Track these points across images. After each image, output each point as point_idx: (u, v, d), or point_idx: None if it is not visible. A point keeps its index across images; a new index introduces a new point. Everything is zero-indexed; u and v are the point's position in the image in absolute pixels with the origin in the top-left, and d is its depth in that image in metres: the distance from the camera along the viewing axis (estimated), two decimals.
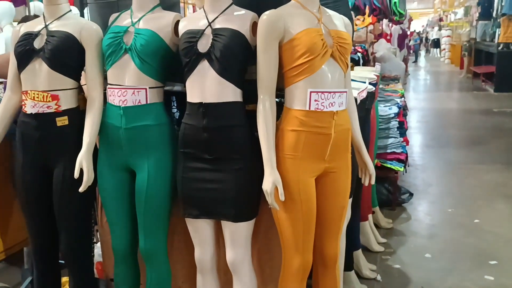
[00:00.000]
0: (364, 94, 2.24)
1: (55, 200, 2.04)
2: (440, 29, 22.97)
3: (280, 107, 1.86)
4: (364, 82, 2.31)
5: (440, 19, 24.33)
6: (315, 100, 1.75)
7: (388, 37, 9.94)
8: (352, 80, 2.19)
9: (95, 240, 2.68)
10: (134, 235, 2.09)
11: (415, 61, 20.72)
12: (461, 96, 11.23)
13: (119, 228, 2.08)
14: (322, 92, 1.75)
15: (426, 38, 28.21)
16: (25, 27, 2.06)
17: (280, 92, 1.87)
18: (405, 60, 12.91)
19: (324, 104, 1.76)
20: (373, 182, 2.03)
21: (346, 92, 1.82)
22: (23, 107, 2.02)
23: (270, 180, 1.73)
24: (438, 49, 23.34)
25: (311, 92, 1.74)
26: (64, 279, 2.40)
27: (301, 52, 1.73)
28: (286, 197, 1.75)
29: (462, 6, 17.70)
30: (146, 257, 2.05)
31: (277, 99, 1.85)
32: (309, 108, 1.76)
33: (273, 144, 1.78)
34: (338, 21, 1.88)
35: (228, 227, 1.89)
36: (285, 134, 1.79)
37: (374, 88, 2.48)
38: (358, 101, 2.13)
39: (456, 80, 14.43)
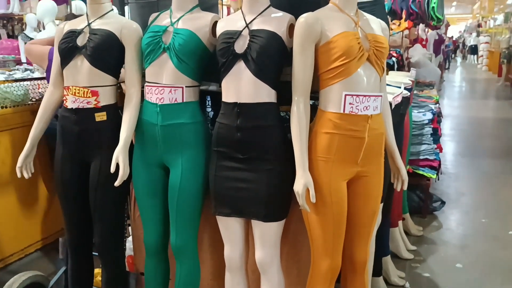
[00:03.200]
0: (399, 99, 2.22)
1: (91, 193, 2.10)
2: (478, 35, 22.44)
3: (313, 110, 1.87)
4: (399, 87, 2.29)
5: (479, 25, 23.77)
6: (350, 103, 1.75)
7: (424, 43, 9.78)
8: (387, 84, 2.17)
9: (127, 234, 2.74)
10: (165, 230, 2.14)
11: (447, 68, 20.28)
12: (498, 105, 10.95)
13: (152, 223, 2.13)
14: (357, 96, 1.75)
15: (463, 44, 27.59)
16: (69, 25, 2.14)
17: (314, 95, 1.88)
18: (441, 66, 12.67)
19: (358, 107, 1.76)
20: (405, 188, 2.01)
21: (381, 96, 1.81)
22: (64, 102, 2.09)
23: (302, 182, 1.74)
24: (475, 56, 22.80)
25: (346, 95, 1.75)
26: (97, 270, 2.46)
27: (337, 55, 1.73)
28: (317, 200, 1.76)
29: (502, 12, 17.26)
30: (177, 253, 2.09)
31: (311, 101, 1.86)
32: (344, 111, 1.76)
33: (306, 146, 1.79)
34: (375, 25, 1.88)
35: (258, 226, 1.91)
36: (318, 137, 1.80)
37: (409, 93, 2.46)
38: (393, 106, 2.11)
39: (493, 88, 14.06)
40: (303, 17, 1.77)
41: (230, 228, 1.97)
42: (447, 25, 16.24)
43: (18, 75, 3.68)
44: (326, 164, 1.79)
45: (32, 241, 3.27)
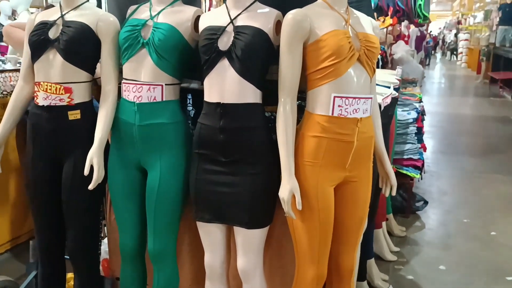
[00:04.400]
0: (388, 100, 2.14)
1: (64, 195, 1.98)
2: (458, 33, 22.66)
3: (300, 111, 1.78)
4: (389, 87, 2.22)
5: (458, 22, 24.00)
6: (339, 106, 1.66)
7: (406, 39, 9.78)
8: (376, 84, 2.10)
9: (102, 235, 2.62)
10: (142, 235, 2.03)
11: (427, 64, 20.43)
12: (477, 102, 11.05)
13: (128, 228, 2.02)
14: (347, 98, 1.66)
15: (443, 41, 27.87)
16: (41, 16, 2.00)
17: (301, 95, 1.79)
18: (422, 63, 12.73)
19: (348, 110, 1.67)
20: (394, 193, 1.94)
21: (371, 98, 1.73)
22: (35, 98, 1.95)
23: (288, 188, 1.65)
24: (454, 53, 23.04)
25: (335, 97, 1.66)
26: (69, 275, 2.34)
27: (326, 55, 1.64)
28: (303, 206, 1.67)
29: (482, 10, 17.42)
30: (154, 259, 1.98)
31: (298, 102, 1.77)
32: (332, 114, 1.67)
33: (292, 149, 1.70)
34: (366, 23, 1.80)
35: (240, 233, 1.81)
36: (306, 140, 1.71)
37: (397, 94, 2.39)
38: (382, 108, 2.04)
39: (472, 85, 14.21)
40: (291, 14, 1.68)
41: (211, 234, 1.88)
42: (428, 22, 16.33)
43: None
44: (313, 169, 1.71)
45: (2, 241, 3.14)
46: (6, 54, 3.92)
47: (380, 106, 1.99)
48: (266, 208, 1.81)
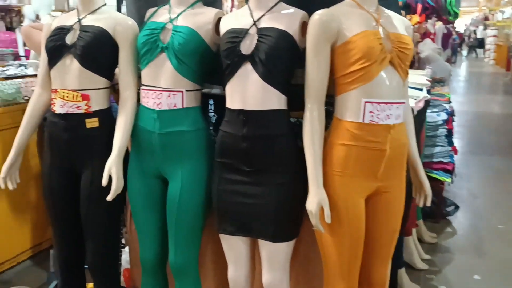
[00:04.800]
0: (421, 105, 2.02)
1: (82, 206, 1.92)
2: (485, 29, 22.10)
3: (328, 117, 1.67)
4: (421, 90, 2.09)
5: (486, 18, 23.40)
6: (370, 112, 1.56)
7: (432, 37, 9.53)
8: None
9: (124, 242, 2.56)
10: (164, 247, 1.95)
11: (454, 62, 19.94)
12: (506, 100, 10.71)
13: (148, 239, 1.95)
14: (378, 103, 1.55)
15: (469, 38, 27.22)
16: (58, 21, 1.94)
17: (329, 100, 1.68)
18: (448, 61, 12.40)
19: (379, 116, 1.56)
20: (429, 204, 1.82)
21: (404, 103, 1.62)
22: (52, 106, 1.90)
23: (316, 200, 1.55)
24: (482, 49, 22.47)
25: (365, 102, 1.55)
26: (90, 285, 2.28)
27: (356, 57, 1.53)
28: (332, 219, 1.57)
29: (510, 5, 16.93)
30: (176, 272, 1.90)
31: (325, 107, 1.67)
32: (363, 120, 1.56)
33: (320, 158, 1.60)
34: (398, 22, 1.68)
35: (265, 247, 1.72)
36: (334, 148, 1.61)
37: (430, 97, 2.26)
38: (415, 112, 1.91)
39: (501, 83, 13.80)
40: (317, 14, 1.58)
41: (234, 247, 1.79)
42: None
43: (12, 71, 3.49)
44: (342, 179, 1.60)
45: (24, 248, 3.12)
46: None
47: (412, 110, 1.87)
48: (293, 220, 1.71)
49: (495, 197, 4.54)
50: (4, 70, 3.50)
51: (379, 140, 1.57)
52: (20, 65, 3.77)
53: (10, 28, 7.40)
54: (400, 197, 1.71)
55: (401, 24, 1.68)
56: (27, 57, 4.36)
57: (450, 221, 3.93)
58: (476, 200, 4.46)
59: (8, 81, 3.07)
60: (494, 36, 19.09)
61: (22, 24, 6.14)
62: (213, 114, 2.08)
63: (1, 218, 2.93)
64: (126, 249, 2.55)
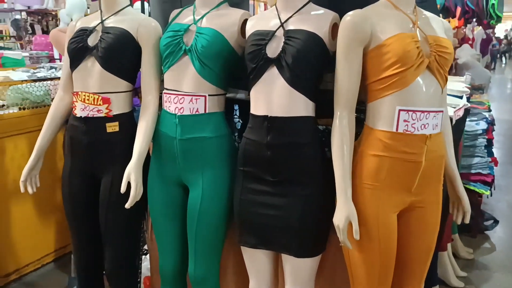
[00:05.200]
0: (460, 113, 1.88)
1: (101, 213, 1.87)
2: None
3: (359, 125, 1.56)
4: (460, 97, 1.95)
5: None
6: (405, 120, 1.44)
7: (470, 42, 9.21)
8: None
9: (146, 248, 2.50)
10: (184, 257, 1.88)
11: (493, 68, 19.31)
12: None
13: (168, 249, 1.87)
14: (414, 111, 1.43)
15: (510, 44, 26.36)
16: (82, 22, 1.90)
17: (359, 107, 1.57)
18: (487, 67, 11.98)
19: (415, 125, 1.44)
20: (467, 220, 1.68)
21: (442, 111, 1.49)
22: (73, 109, 1.85)
23: (344, 214, 1.44)
24: (505, 55, 21.73)
25: (400, 110, 1.43)
26: None
27: (390, 62, 1.42)
28: (361, 235, 1.45)
29: None
30: (195, 284, 1.82)
31: (356, 114, 1.56)
32: (397, 130, 1.45)
33: (350, 169, 1.49)
34: (437, 25, 1.56)
35: (289, 262, 1.62)
36: (365, 159, 1.49)
37: (469, 105, 2.12)
38: (454, 122, 1.78)
39: None
40: (349, 15, 1.47)
41: (256, 261, 1.70)
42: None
43: (42, 73, 3.51)
44: (373, 193, 1.48)
45: (49, 251, 3.12)
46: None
47: (451, 119, 1.74)
48: (318, 234, 1.61)
49: None
50: (35, 73, 3.52)
51: (414, 152, 1.45)
52: (51, 68, 3.79)
53: (46, 32, 7.56)
54: (436, 212, 1.58)
55: (440, 26, 1.56)
56: (61, 59, 4.40)
57: (488, 236, 3.72)
58: None
59: (37, 83, 3.08)
60: None
61: (58, 27, 6.23)
62: (238, 120, 2.00)
63: (27, 220, 2.93)
64: (148, 256, 2.48)
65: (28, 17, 7.50)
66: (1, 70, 3.74)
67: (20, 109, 2.93)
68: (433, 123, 1.46)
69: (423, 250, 1.59)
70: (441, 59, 1.46)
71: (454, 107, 1.84)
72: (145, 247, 2.56)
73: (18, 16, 7.86)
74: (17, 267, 2.90)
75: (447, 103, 1.76)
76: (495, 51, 19.08)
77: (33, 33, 7.49)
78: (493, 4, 3.95)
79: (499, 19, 4.18)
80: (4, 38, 8.13)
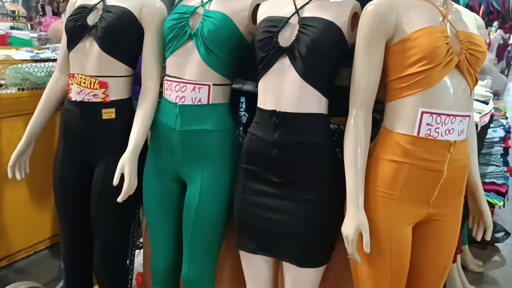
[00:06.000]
0: (486, 119, 1.73)
1: (93, 204, 1.75)
2: None
3: (375, 126, 1.42)
4: (486, 103, 1.80)
5: None
6: (428, 124, 1.30)
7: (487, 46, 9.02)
8: None
9: (141, 241, 2.38)
10: (177, 256, 1.76)
11: (506, 75, 18.96)
12: None
13: (160, 247, 1.75)
14: (439, 114, 1.29)
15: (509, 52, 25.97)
16: None
17: (377, 106, 1.43)
18: (502, 73, 11.77)
19: (439, 130, 1.30)
20: (488, 237, 1.55)
21: (469, 116, 1.35)
22: (69, 92, 1.73)
23: (354, 223, 1.31)
24: None
25: (423, 112, 1.29)
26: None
27: (416, 58, 1.28)
28: (372, 248, 1.32)
29: None
30: (188, 285, 1.70)
31: (372, 114, 1.42)
32: (418, 134, 1.31)
33: (363, 174, 1.35)
34: (470, 20, 1.41)
35: (291, 271, 1.49)
36: (381, 164, 1.36)
37: (494, 111, 1.97)
38: (479, 128, 1.63)
39: None
40: (372, 4, 1.33)
41: (254, 267, 1.57)
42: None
43: (46, 54, 3.39)
44: (388, 202, 1.35)
45: (43, 238, 3.00)
46: None
47: (476, 126, 1.59)
48: (324, 243, 1.48)
49: None
50: (39, 53, 3.41)
51: (436, 159, 1.31)
52: (56, 49, 3.67)
53: (56, 13, 7.47)
54: (455, 227, 1.45)
55: (472, 22, 1.41)
56: None
57: (498, 249, 3.57)
58: None
59: (39, 64, 2.96)
60: None
61: None
62: (244, 113, 1.86)
63: (21, 204, 2.82)
64: (141, 251, 2.37)
65: None
66: (5, 48, 3.63)
67: (19, 89, 2.81)
68: (459, 129, 1.32)
69: (438, 268, 1.45)
70: (472, 58, 1.31)
71: (479, 113, 1.69)
72: (141, 240, 2.44)
73: None
74: (8, 253, 2.79)
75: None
76: (510, 58, 18.73)
77: (44, 14, 7.41)
78: None
79: None
80: (16, 18, 8.03)
